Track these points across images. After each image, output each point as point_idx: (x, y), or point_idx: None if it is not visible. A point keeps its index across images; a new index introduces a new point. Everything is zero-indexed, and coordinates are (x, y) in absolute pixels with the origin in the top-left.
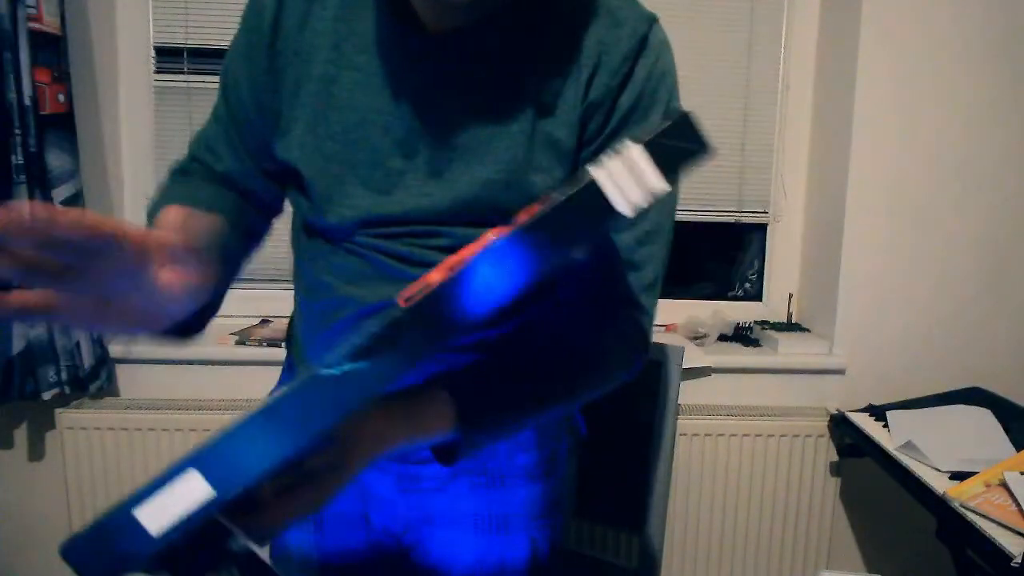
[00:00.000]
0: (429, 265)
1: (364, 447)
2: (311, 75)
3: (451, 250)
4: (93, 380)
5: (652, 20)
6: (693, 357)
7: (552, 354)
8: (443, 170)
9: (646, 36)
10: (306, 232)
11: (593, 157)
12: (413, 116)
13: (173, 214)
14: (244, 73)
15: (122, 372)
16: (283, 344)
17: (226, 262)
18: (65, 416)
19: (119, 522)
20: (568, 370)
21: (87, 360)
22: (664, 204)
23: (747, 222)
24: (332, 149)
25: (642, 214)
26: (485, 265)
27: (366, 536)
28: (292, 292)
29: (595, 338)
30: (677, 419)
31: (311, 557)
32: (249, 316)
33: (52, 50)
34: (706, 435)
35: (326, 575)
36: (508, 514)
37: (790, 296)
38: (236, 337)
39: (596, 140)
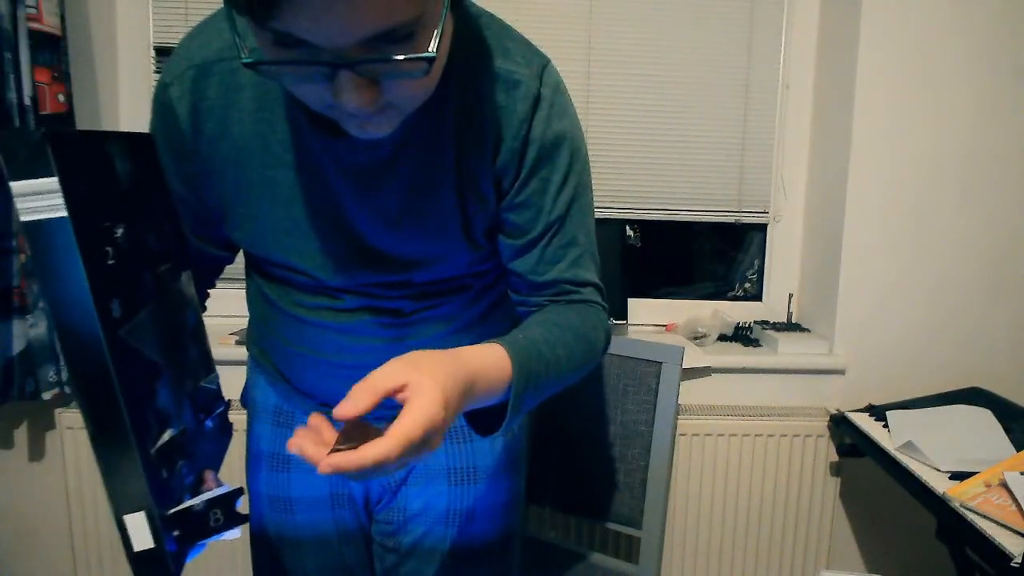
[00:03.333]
0: (401, 310)
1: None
2: (251, 180)
3: (420, 295)
4: None
5: (543, 67)
6: (693, 357)
7: (564, 332)
8: (392, 248)
9: (538, 93)
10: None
11: (512, 207)
12: (355, 203)
13: None
14: (172, 170)
15: None
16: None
17: None
18: (65, 416)
19: None
20: (575, 346)
21: None
22: (582, 222)
23: (747, 222)
24: (292, 244)
25: (569, 242)
26: None
27: (342, 510)
28: None
29: (586, 325)
30: (677, 419)
31: (288, 536)
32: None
33: (52, 50)
34: (706, 435)
35: (302, 549)
36: (477, 465)
37: (790, 296)
38: (236, 337)
39: (511, 190)
